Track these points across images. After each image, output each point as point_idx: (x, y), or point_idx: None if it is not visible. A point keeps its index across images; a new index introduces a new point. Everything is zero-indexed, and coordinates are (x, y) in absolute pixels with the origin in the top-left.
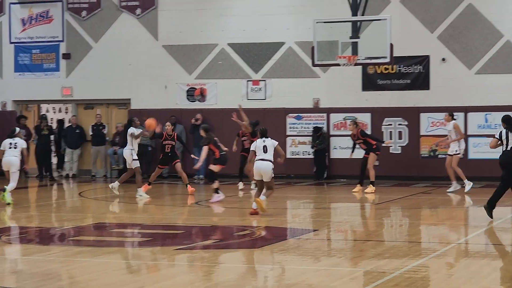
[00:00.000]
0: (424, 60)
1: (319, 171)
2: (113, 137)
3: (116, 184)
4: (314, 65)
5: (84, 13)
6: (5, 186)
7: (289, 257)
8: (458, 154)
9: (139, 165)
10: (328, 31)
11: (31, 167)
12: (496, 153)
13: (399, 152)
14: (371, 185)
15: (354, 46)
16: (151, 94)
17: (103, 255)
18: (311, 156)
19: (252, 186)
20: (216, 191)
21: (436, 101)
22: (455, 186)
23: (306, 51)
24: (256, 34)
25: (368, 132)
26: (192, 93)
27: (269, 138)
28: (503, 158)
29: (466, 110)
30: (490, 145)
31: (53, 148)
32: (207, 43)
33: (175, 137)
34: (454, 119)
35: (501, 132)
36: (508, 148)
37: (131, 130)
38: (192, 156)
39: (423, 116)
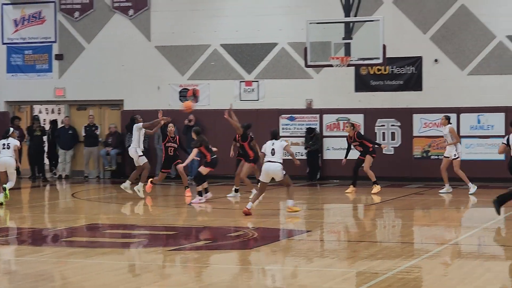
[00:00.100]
0: (416, 61)
1: (312, 172)
2: (106, 138)
3: (127, 184)
4: (307, 66)
5: (76, 14)
6: (4, 185)
7: (282, 258)
8: (458, 158)
9: (146, 161)
10: (321, 32)
11: (23, 168)
12: (490, 154)
13: (392, 153)
14: (376, 185)
15: (347, 47)
16: (144, 95)
17: (96, 256)
18: (304, 157)
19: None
20: (200, 193)
21: (429, 102)
22: (447, 188)
23: (299, 52)
24: (249, 35)
25: (361, 132)
26: (184, 94)
27: (279, 140)
28: None
29: (458, 111)
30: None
31: (45, 149)
32: (199, 44)
33: (178, 140)
34: (450, 123)
35: (508, 137)
36: None
37: (138, 125)
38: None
39: (416, 117)
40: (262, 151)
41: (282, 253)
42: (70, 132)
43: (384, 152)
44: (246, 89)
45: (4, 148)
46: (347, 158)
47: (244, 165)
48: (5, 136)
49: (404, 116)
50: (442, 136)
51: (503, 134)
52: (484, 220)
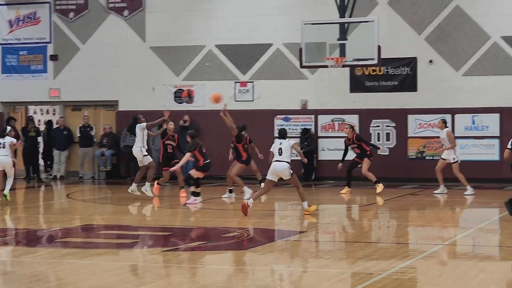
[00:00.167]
0: (411, 62)
1: (307, 172)
2: (100, 138)
3: (134, 186)
4: (302, 66)
5: (71, 14)
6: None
7: (277, 259)
8: (457, 161)
9: (151, 160)
10: (316, 33)
11: (18, 169)
12: (484, 155)
13: (387, 153)
14: (378, 184)
15: (342, 48)
16: (139, 96)
17: (91, 256)
18: (299, 158)
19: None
20: (194, 194)
21: (424, 103)
22: (442, 189)
23: (294, 52)
24: (244, 35)
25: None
26: (179, 95)
27: (286, 140)
28: None
29: (453, 112)
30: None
31: (40, 149)
32: (194, 44)
33: (176, 139)
34: (447, 127)
35: None
36: None
37: (142, 125)
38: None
39: (411, 118)
40: (270, 150)
41: (277, 254)
42: (65, 132)
43: (379, 153)
44: (241, 90)
45: (0, 148)
46: (343, 161)
47: (236, 165)
48: (2, 135)
49: (399, 116)
50: (437, 137)
51: (498, 134)
52: (479, 221)
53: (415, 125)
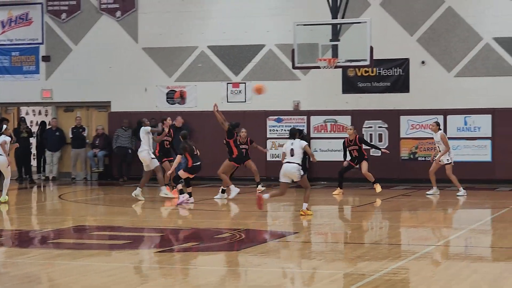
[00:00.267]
0: (403, 63)
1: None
2: (93, 139)
3: (138, 191)
4: (295, 67)
5: (63, 15)
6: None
7: (269, 260)
8: (450, 163)
9: (158, 164)
10: (309, 34)
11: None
12: (477, 156)
13: (379, 154)
14: (377, 184)
15: (334, 49)
16: (131, 97)
17: (83, 258)
18: None
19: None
20: (181, 192)
21: (416, 104)
22: (434, 191)
23: (286, 53)
24: (236, 36)
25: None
26: (172, 96)
27: (297, 140)
28: None
29: (445, 113)
30: None
31: (32, 150)
32: (187, 45)
33: (172, 134)
34: (440, 129)
35: None
36: None
37: (146, 128)
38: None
39: (403, 119)
40: (283, 151)
41: (270, 255)
42: (57, 133)
43: (371, 154)
44: (233, 91)
45: None
46: (346, 159)
47: (225, 162)
48: None
49: (391, 117)
50: (429, 138)
51: (490, 135)
52: (471, 222)
53: (407, 126)
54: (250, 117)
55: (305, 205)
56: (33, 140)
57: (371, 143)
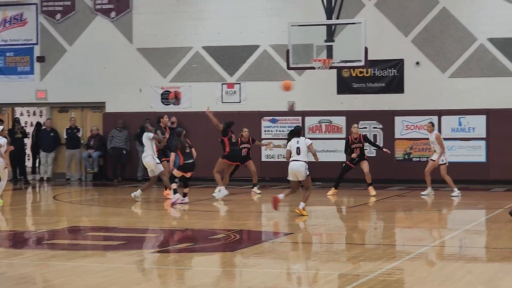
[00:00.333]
0: (398, 64)
1: None
2: (87, 140)
3: (138, 193)
4: (289, 68)
5: (58, 16)
6: None
7: (264, 261)
8: (445, 163)
9: (163, 169)
10: (303, 34)
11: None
12: (471, 157)
13: (374, 155)
14: (371, 186)
15: (329, 50)
16: (126, 97)
17: (78, 258)
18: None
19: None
20: (175, 191)
21: (410, 105)
22: (429, 191)
23: (281, 54)
24: (231, 37)
25: (343, 135)
26: (166, 96)
27: (303, 138)
28: None
29: (440, 113)
30: None
31: (27, 151)
32: (181, 46)
33: (168, 133)
34: (434, 129)
35: None
36: None
37: (149, 134)
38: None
39: (398, 120)
40: (288, 148)
41: (264, 256)
42: (51, 134)
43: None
44: (228, 91)
45: None
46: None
47: (218, 160)
48: None
49: (386, 118)
50: (424, 139)
51: (484, 136)
52: (465, 222)
53: (402, 127)
54: (245, 117)
55: (302, 204)
56: (27, 141)
57: (373, 142)
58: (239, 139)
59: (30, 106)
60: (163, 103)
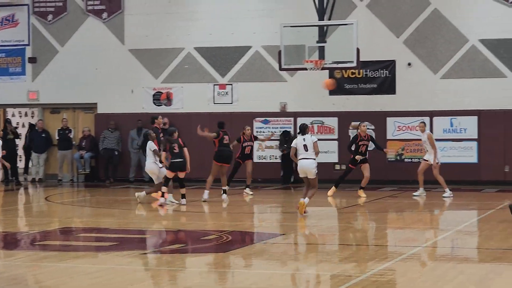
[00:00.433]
0: (390, 65)
1: (286, 175)
2: (79, 141)
3: (142, 194)
4: (281, 69)
5: (50, 17)
6: None
7: (256, 262)
8: (438, 163)
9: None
10: (295, 35)
11: None
12: (463, 157)
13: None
14: (363, 190)
15: (321, 51)
16: (118, 98)
17: (70, 259)
18: (278, 160)
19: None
20: (163, 194)
21: (402, 106)
22: (421, 192)
23: (273, 55)
24: (223, 38)
25: (335, 136)
26: (158, 97)
27: (309, 135)
28: None
29: (431, 114)
30: None
31: (18, 152)
32: (173, 47)
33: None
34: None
35: None
36: None
37: (153, 146)
38: None
39: (390, 120)
40: (292, 145)
41: (256, 257)
42: (43, 135)
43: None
44: (219, 92)
45: None
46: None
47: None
48: None
49: (378, 119)
50: (416, 140)
51: (476, 137)
52: (457, 223)
53: (394, 128)
54: (237, 118)
55: (307, 200)
56: (19, 142)
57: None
58: (241, 137)
59: (22, 107)
60: (155, 104)
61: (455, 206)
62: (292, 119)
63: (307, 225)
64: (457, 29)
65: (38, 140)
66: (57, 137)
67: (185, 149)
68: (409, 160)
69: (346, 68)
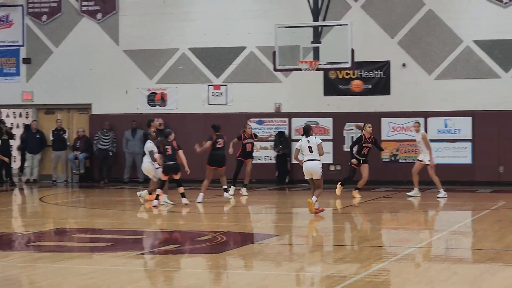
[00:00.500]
0: (384, 66)
1: (281, 176)
2: (74, 142)
3: (144, 193)
4: (276, 69)
5: (44, 17)
6: None
7: (251, 262)
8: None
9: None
10: (290, 36)
11: None
12: (457, 158)
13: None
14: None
15: (316, 51)
16: (112, 99)
17: (64, 260)
18: (273, 161)
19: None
20: (157, 197)
21: (397, 106)
22: (415, 192)
23: (267, 55)
24: (217, 38)
25: (330, 137)
26: (152, 98)
27: (313, 136)
28: None
29: (426, 115)
30: None
31: (13, 153)
32: (168, 47)
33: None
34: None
35: None
36: None
37: (150, 147)
38: None
39: (384, 121)
40: (296, 147)
41: (251, 257)
42: (37, 136)
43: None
44: (214, 93)
45: None
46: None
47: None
48: None
49: (373, 120)
50: (411, 140)
51: (470, 138)
52: (451, 223)
53: (388, 128)
54: (231, 119)
55: (314, 198)
56: (13, 143)
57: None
58: (242, 135)
59: (16, 107)
60: (149, 104)
61: (450, 207)
62: (286, 119)
63: (301, 226)
64: (451, 30)
65: (32, 140)
66: (51, 138)
67: (180, 152)
68: (404, 161)
69: (340, 69)
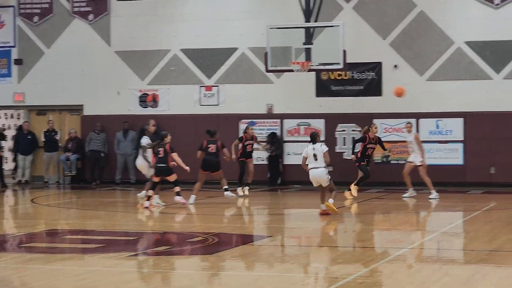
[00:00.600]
0: (376, 67)
1: (273, 177)
2: (65, 143)
3: (143, 194)
4: (268, 70)
5: (36, 18)
6: None
7: (243, 263)
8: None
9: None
10: (282, 37)
11: None
12: (449, 159)
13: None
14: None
15: (308, 52)
16: (104, 100)
17: (56, 261)
18: (265, 162)
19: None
20: (148, 198)
21: (389, 108)
22: (411, 192)
23: (259, 56)
24: (209, 39)
25: (322, 138)
26: (144, 99)
27: (319, 144)
28: None
29: (417, 116)
30: None
31: (4, 154)
32: (159, 48)
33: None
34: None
35: None
36: None
37: (146, 141)
38: None
39: (376, 122)
40: (303, 155)
41: (243, 259)
42: (29, 137)
43: (344, 157)
44: (206, 94)
45: None
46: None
47: None
48: None
49: (365, 121)
50: (402, 141)
51: (462, 139)
52: (443, 224)
53: (380, 130)
54: (223, 120)
55: (331, 200)
56: (5, 144)
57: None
58: (243, 136)
59: (8, 108)
60: (141, 105)
61: (441, 208)
62: (278, 120)
63: (293, 227)
64: (443, 31)
65: (24, 142)
66: (43, 139)
67: (174, 154)
68: (396, 162)
69: (332, 70)
